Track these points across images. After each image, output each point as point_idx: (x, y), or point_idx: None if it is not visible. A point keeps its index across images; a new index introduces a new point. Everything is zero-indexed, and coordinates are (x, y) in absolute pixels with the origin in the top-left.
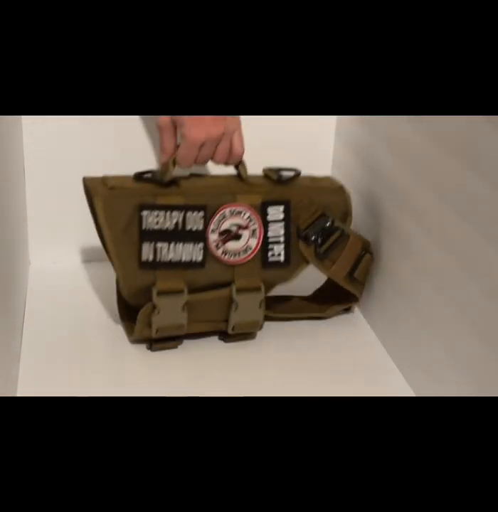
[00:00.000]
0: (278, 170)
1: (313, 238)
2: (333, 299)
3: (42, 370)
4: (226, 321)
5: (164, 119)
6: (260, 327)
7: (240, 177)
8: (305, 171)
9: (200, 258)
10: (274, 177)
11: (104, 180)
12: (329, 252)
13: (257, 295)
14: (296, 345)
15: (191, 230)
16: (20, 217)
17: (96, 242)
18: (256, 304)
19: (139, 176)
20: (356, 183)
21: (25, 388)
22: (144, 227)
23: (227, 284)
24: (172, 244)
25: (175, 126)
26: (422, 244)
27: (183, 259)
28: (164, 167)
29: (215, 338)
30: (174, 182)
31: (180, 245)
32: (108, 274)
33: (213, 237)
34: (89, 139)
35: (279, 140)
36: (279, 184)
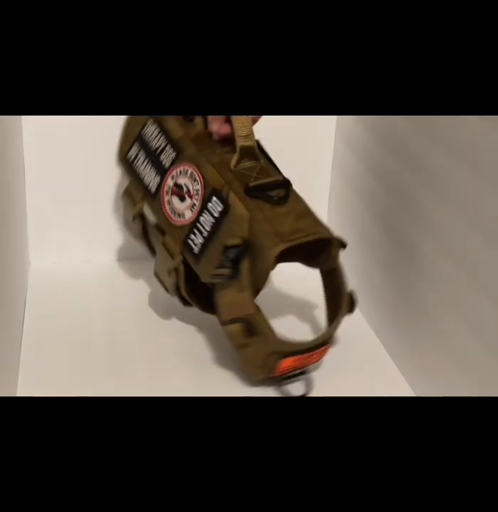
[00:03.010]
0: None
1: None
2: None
3: (42, 370)
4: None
5: None
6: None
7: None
8: (305, 171)
9: (153, 190)
10: (257, 195)
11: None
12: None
13: (170, 261)
14: None
15: (160, 162)
16: (20, 217)
17: (96, 242)
18: (164, 268)
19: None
20: (356, 183)
21: (25, 388)
22: (142, 132)
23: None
24: (146, 161)
25: None
26: (421, 244)
27: (144, 180)
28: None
29: (215, 340)
30: (203, 132)
31: (149, 167)
32: (108, 274)
33: (169, 182)
34: (89, 139)
35: (280, 140)
36: (248, 195)
